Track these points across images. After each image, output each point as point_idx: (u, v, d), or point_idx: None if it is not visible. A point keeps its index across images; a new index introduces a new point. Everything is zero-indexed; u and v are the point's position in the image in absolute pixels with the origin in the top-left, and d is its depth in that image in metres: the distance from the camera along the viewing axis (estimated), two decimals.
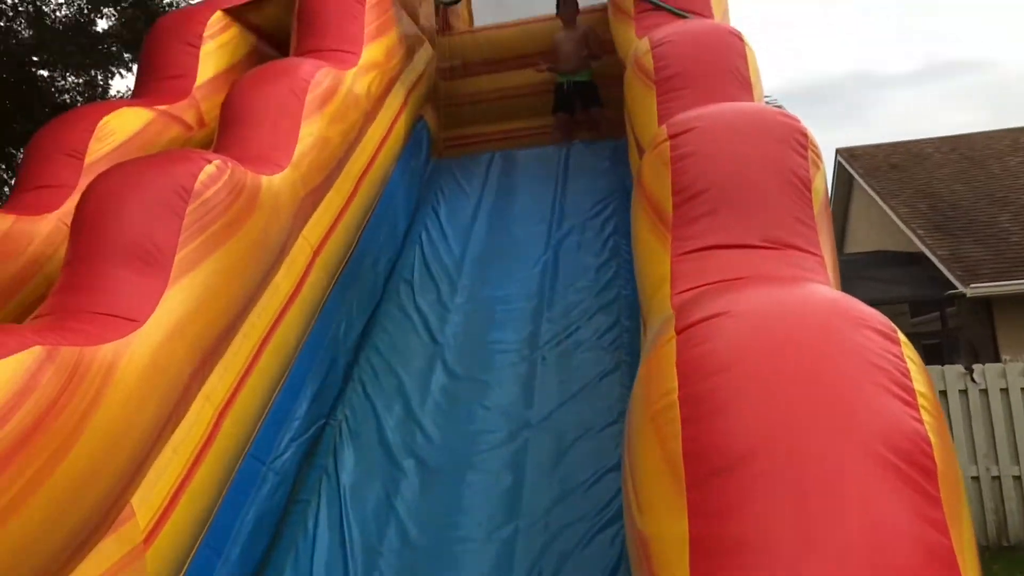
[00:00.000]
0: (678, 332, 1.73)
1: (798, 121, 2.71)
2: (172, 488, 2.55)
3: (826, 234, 2.46)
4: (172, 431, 2.60)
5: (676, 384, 1.59)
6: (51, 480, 1.98)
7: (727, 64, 3.72)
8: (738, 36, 3.97)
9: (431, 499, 3.18)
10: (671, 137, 2.73)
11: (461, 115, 6.80)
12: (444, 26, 7.45)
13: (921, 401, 1.49)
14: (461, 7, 7.96)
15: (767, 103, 14.01)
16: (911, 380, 1.53)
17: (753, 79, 3.74)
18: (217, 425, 2.80)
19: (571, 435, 3.26)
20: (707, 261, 2.26)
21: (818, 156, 2.63)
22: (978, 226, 11.84)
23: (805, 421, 1.41)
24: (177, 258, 2.74)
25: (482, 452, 3.29)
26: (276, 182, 3.49)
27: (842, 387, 1.47)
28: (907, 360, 1.59)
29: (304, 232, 3.72)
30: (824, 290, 1.87)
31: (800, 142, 2.60)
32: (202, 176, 2.96)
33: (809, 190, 2.47)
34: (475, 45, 6.84)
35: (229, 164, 3.16)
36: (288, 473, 3.24)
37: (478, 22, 8.08)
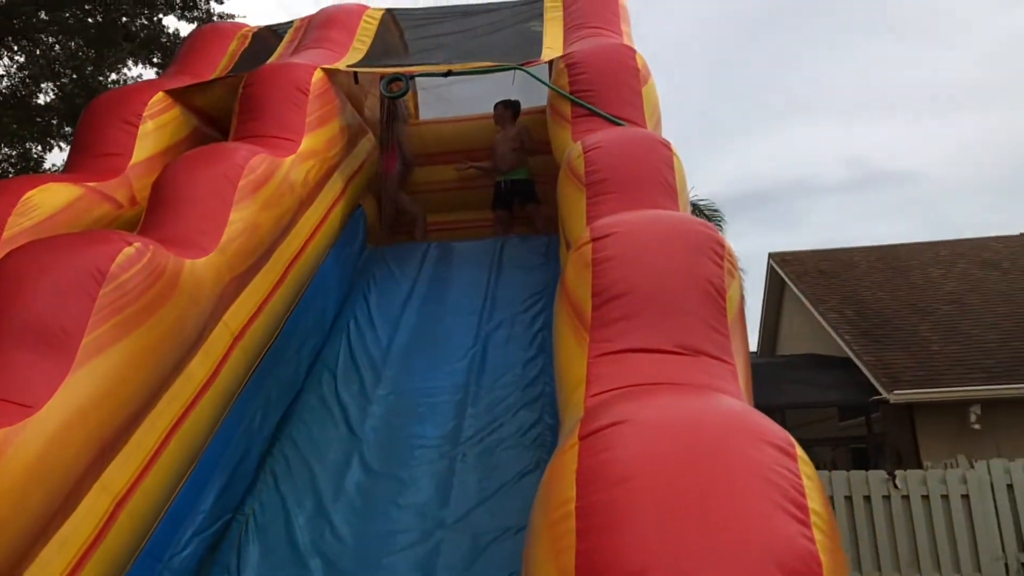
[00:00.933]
0: (581, 438, 1.72)
1: (716, 231, 2.79)
2: None
3: (739, 341, 2.51)
4: (61, 524, 2.45)
5: (574, 494, 1.57)
6: None
7: (655, 172, 3.84)
8: (667, 145, 4.12)
9: None
10: (593, 240, 2.79)
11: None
12: (389, 118, 7.60)
13: (814, 519, 1.50)
14: (407, 100, 8.14)
15: (704, 207, 14.51)
16: (806, 497, 1.54)
17: (679, 187, 3.87)
18: (112, 518, 2.65)
19: (487, 536, 3.17)
20: (621, 364, 2.27)
21: (734, 265, 2.71)
22: (902, 334, 12.25)
23: (697, 541, 1.39)
24: (84, 341, 2.64)
25: (393, 553, 3.17)
26: (199, 266, 3.43)
27: (736, 505, 1.46)
28: (803, 476, 1.60)
29: (225, 318, 3.64)
30: (727, 402, 1.89)
31: (717, 251, 2.67)
32: (119, 258, 2.90)
33: (724, 298, 2.53)
34: (419, 137, 6.96)
35: (150, 247, 3.10)
36: (186, 571, 3.07)
37: (423, 116, 8.25)
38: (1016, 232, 16.06)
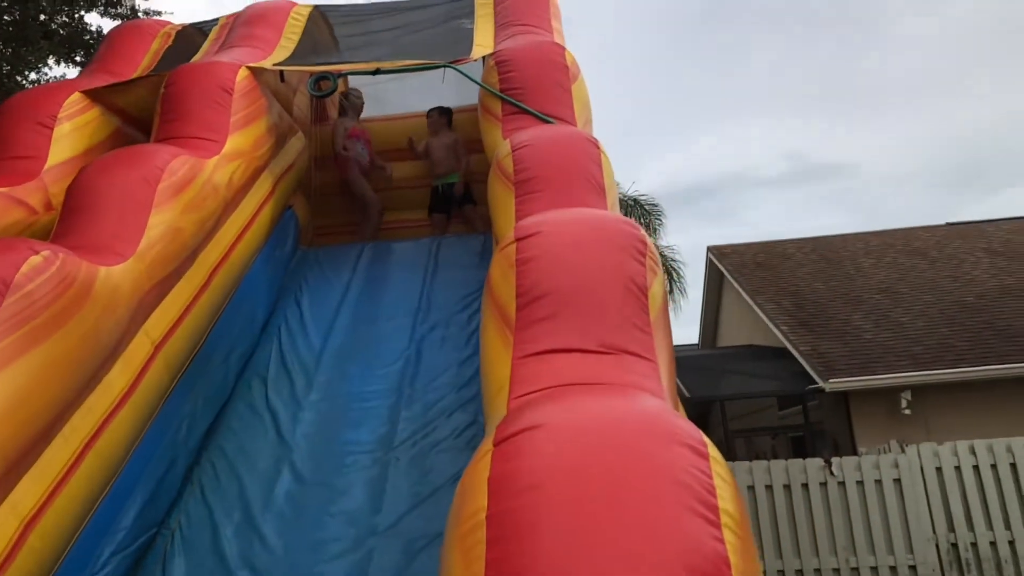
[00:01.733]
0: (495, 445, 1.69)
1: (638, 229, 2.80)
2: None
3: (662, 338, 2.51)
4: None
5: (486, 502, 1.54)
6: None
7: (583, 170, 3.84)
8: (595, 144, 4.12)
9: None
10: (517, 240, 2.77)
11: (332, 205, 6.77)
12: (319, 116, 7.47)
13: (725, 520, 1.50)
14: (337, 99, 8.02)
15: (645, 202, 14.67)
16: (717, 498, 1.53)
17: (607, 184, 3.87)
18: (21, 540, 2.52)
19: (420, 542, 3.13)
20: (545, 365, 2.26)
21: (656, 262, 2.71)
22: (835, 323, 12.56)
23: (605, 546, 1.38)
24: None
25: (324, 562, 3.10)
26: (116, 274, 3.31)
27: (645, 508, 1.45)
28: (715, 476, 1.59)
29: (146, 326, 3.51)
30: (642, 402, 1.89)
31: (639, 249, 2.68)
32: (24, 268, 2.76)
33: (646, 296, 2.53)
34: (337, 123, 6.86)
35: (60, 254, 2.97)
36: None
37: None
38: (943, 222, 16.60)
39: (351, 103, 6.85)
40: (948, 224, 16.57)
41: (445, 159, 6.53)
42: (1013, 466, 7.46)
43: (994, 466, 7.49)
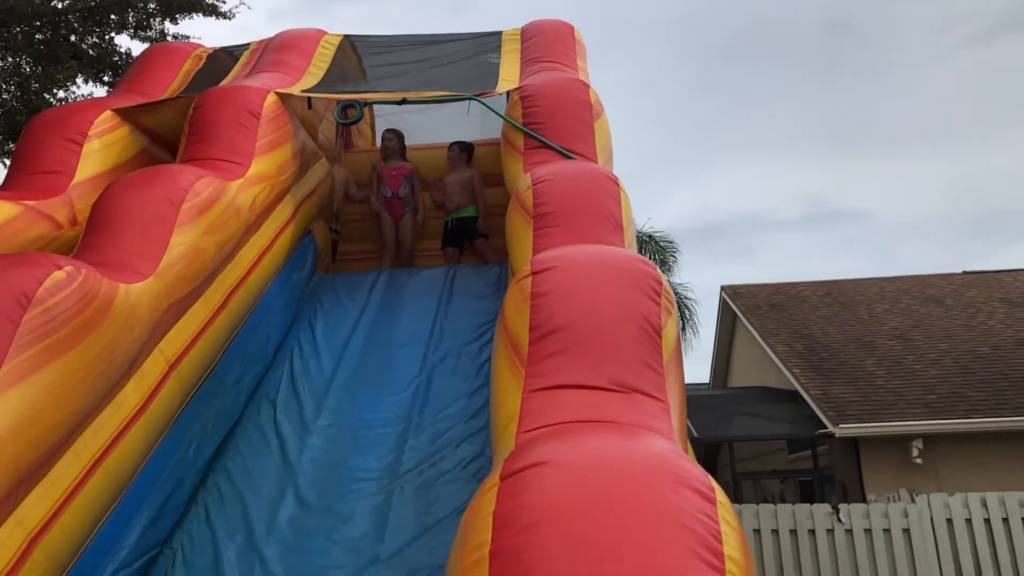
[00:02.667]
0: (502, 479, 1.70)
1: (654, 268, 2.81)
2: None
3: (675, 379, 2.52)
4: None
5: (490, 536, 1.55)
6: None
7: (601, 206, 3.88)
8: (614, 181, 4.16)
9: None
10: (533, 274, 2.79)
11: (354, 231, 6.84)
12: (346, 144, 7.58)
13: (730, 567, 1.49)
14: (364, 126, 8.12)
15: (660, 238, 14.72)
16: (722, 544, 1.53)
17: (625, 222, 3.90)
18: (26, 554, 2.54)
19: (421, 573, 3.11)
20: (555, 400, 2.27)
21: (671, 303, 2.73)
22: (848, 368, 12.46)
23: None
24: (4, 368, 2.55)
25: None
26: (135, 291, 3.35)
27: (649, 551, 1.45)
28: (721, 522, 1.60)
29: (161, 345, 3.55)
30: (651, 443, 1.89)
31: (654, 288, 2.69)
32: (47, 283, 2.81)
33: (660, 336, 2.54)
34: (371, 164, 6.94)
35: (83, 270, 3.02)
36: None
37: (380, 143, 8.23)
38: (959, 270, 16.51)
39: (384, 145, 6.86)
40: (964, 272, 16.47)
41: (459, 194, 6.57)
42: None
43: (1006, 520, 7.35)
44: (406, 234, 6.69)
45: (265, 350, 4.60)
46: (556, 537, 1.48)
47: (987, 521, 7.39)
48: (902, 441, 10.99)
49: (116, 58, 10.30)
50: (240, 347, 4.29)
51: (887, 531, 7.38)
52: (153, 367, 3.46)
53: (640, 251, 17.86)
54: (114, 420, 3.09)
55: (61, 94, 10.21)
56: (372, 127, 8.41)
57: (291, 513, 3.48)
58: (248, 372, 4.33)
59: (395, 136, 6.83)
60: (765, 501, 11.65)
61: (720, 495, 1.68)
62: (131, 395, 3.25)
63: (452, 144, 6.77)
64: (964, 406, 11.27)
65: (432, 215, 6.82)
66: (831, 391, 11.78)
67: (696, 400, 12.90)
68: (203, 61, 6.60)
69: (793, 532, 7.48)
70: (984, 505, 7.44)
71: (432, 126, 6.97)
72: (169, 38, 10.21)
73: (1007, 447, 10.82)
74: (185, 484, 3.59)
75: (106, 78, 10.43)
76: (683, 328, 17.78)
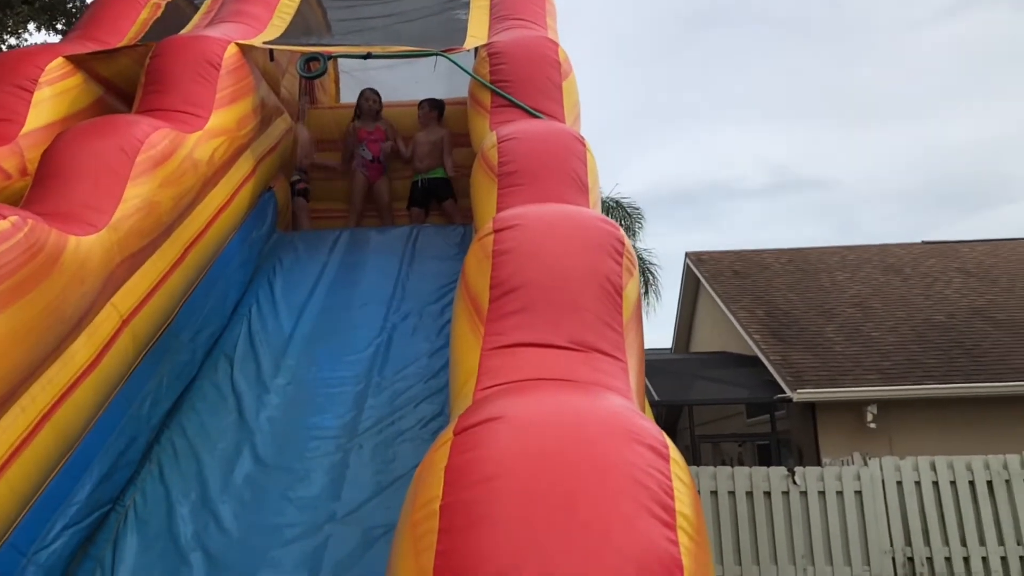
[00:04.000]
0: (455, 434, 1.69)
1: (617, 228, 2.80)
2: None
3: (634, 339, 2.52)
4: None
5: (440, 492, 1.54)
6: None
7: (567, 166, 3.84)
8: (580, 140, 4.12)
9: None
10: (495, 231, 2.76)
11: (321, 190, 6.72)
12: (310, 99, 7.41)
13: (681, 522, 1.50)
14: (327, 81, 7.95)
15: (627, 204, 14.70)
16: (674, 500, 1.54)
17: (591, 183, 3.87)
18: None
19: (377, 531, 3.11)
20: (513, 358, 2.25)
21: (632, 263, 2.72)
22: (808, 335, 12.67)
23: (559, 542, 1.38)
24: None
25: (279, 547, 3.07)
26: (86, 244, 3.26)
27: (600, 506, 1.45)
28: (674, 478, 1.60)
29: (114, 299, 3.47)
30: (607, 400, 1.88)
31: (616, 248, 2.68)
32: None
33: (620, 296, 2.53)
34: (335, 121, 6.81)
35: (29, 221, 2.92)
36: (54, 567, 2.90)
37: (344, 99, 8.09)
38: (918, 240, 16.79)
39: (365, 105, 6.71)
40: (924, 242, 16.77)
41: (429, 154, 6.47)
42: (972, 484, 7.56)
43: (953, 483, 7.58)
44: (382, 195, 6.60)
45: (223, 307, 4.52)
46: (507, 491, 1.47)
47: (935, 484, 7.61)
48: (857, 406, 11.25)
49: (70, 4, 9.94)
50: (197, 303, 4.21)
51: (840, 493, 7.57)
52: (105, 321, 3.38)
53: (608, 216, 17.98)
54: (64, 375, 3.02)
55: (12, 41, 9.84)
56: (336, 82, 8.24)
57: (247, 471, 3.45)
58: (205, 329, 4.26)
59: (377, 97, 6.69)
60: (724, 464, 11.87)
61: (674, 452, 1.69)
62: (82, 350, 3.17)
63: (422, 101, 6.65)
64: (918, 373, 11.54)
65: (398, 175, 6.72)
66: (790, 357, 11.98)
67: (658, 364, 13.05)
68: (161, 9, 6.37)
69: (749, 494, 7.64)
70: (933, 468, 7.66)
71: (397, 83, 6.84)
72: None
73: (958, 414, 11.13)
74: (139, 441, 3.53)
75: (60, 26, 10.06)
76: (646, 293, 17.91)
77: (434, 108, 6.60)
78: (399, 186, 6.69)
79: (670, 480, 1.58)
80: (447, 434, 1.73)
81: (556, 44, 5.46)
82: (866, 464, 7.76)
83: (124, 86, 5.63)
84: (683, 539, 1.47)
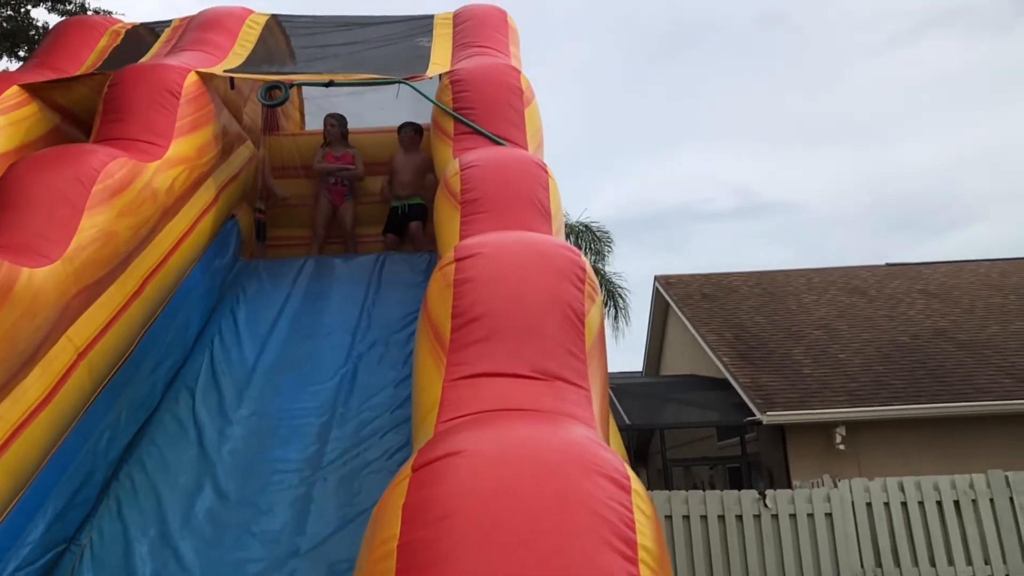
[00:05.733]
0: (414, 470, 1.65)
1: (579, 255, 2.79)
2: None
3: (597, 367, 2.50)
4: None
5: (398, 530, 1.50)
6: None
7: (530, 193, 3.84)
8: (543, 167, 4.13)
9: None
10: (457, 260, 2.74)
11: (283, 216, 6.67)
12: (272, 126, 7.37)
13: (642, 555, 1.47)
14: (292, 109, 7.92)
15: (596, 228, 14.73)
16: (635, 532, 1.51)
17: (553, 209, 3.87)
18: None
19: (342, 565, 3.04)
20: (475, 389, 2.22)
21: (595, 290, 2.71)
22: (776, 357, 12.77)
23: None
24: None
25: None
26: (39, 276, 3.18)
27: (561, 541, 1.42)
28: (636, 511, 1.57)
29: (70, 332, 3.39)
30: (569, 431, 1.86)
31: (578, 275, 2.67)
32: None
33: (583, 323, 2.51)
34: (296, 148, 6.77)
35: None
36: None
37: (310, 126, 8.05)
38: (882, 262, 17.06)
39: (327, 131, 6.66)
40: (888, 264, 17.04)
41: (411, 181, 6.36)
42: (939, 504, 7.61)
43: (921, 503, 7.63)
44: (346, 220, 6.53)
45: (184, 337, 4.44)
46: (466, 529, 1.43)
47: (904, 505, 7.65)
48: (826, 428, 11.32)
49: (32, 32, 9.84)
50: (157, 334, 4.13)
51: (811, 516, 7.58)
52: (60, 355, 3.29)
53: (577, 240, 18.06)
54: (15, 411, 2.93)
55: None
56: (301, 110, 8.20)
57: (208, 505, 3.36)
58: (166, 360, 4.17)
59: (337, 122, 6.64)
60: (695, 487, 11.86)
61: (635, 483, 1.66)
62: (35, 384, 3.09)
63: (404, 125, 6.55)
64: (884, 394, 11.66)
65: (367, 201, 6.65)
66: (760, 379, 12.05)
67: (629, 388, 13.06)
68: (121, 37, 6.32)
69: (721, 518, 7.61)
70: (902, 489, 7.70)
71: (363, 109, 6.82)
72: (89, 12, 9.78)
73: (924, 433, 11.24)
74: (95, 477, 3.43)
75: (22, 53, 9.95)
76: (616, 317, 17.98)
77: (417, 132, 6.49)
78: (364, 211, 6.64)
79: (631, 512, 1.56)
80: (405, 470, 1.70)
81: (518, 71, 5.49)
82: (836, 486, 7.79)
83: (82, 114, 5.55)
84: (644, 572, 1.44)
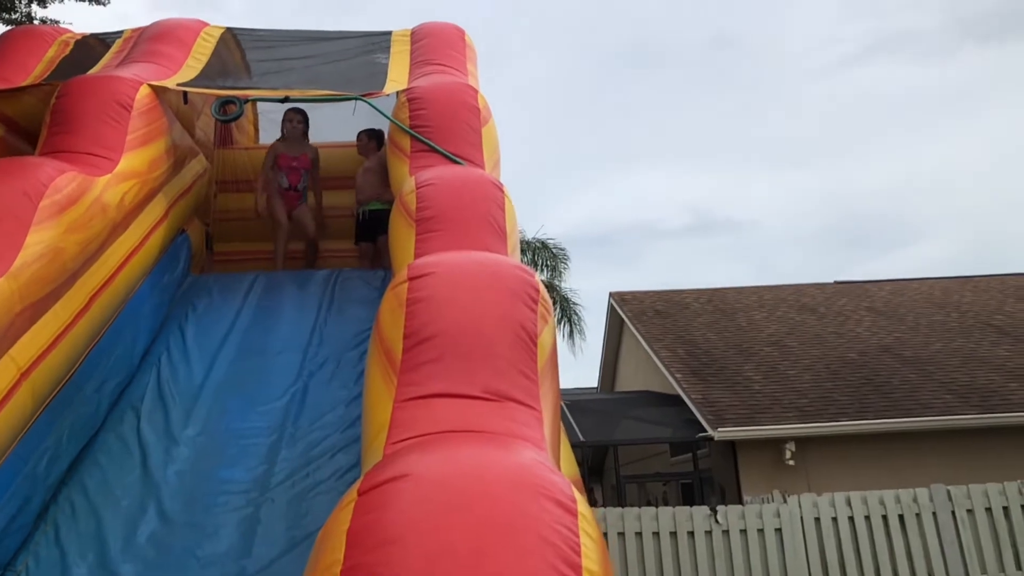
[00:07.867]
0: (360, 494, 1.65)
1: (532, 275, 2.81)
2: None
3: (549, 387, 2.52)
4: None
5: (342, 555, 1.49)
6: None
7: (485, 212, 3.86)
8: (499, 187, 4.15)
9: None
10: (409, 279, 2.74)
11: (231, 231, 6.58)
12: (225, 140, 7.29)
13: None
14: (246, 123, 7.85)
15: (552, 245, 14.75)
16: (580, 556, 1.53)
17: (509, 229, 3.90)
18: None
19: None
20: (425, 410, 2.22)
21: (548, 310, 2.73)
22: (727, 373, 12.96)
23: None
24: None
25: None
26: None
27: (506, 566, 1.43)
28: (582, 534, 1.59)
29: (12, 351, 3.29)
30: (516, 454, 1.87)
31: (531, 296, 2.69)
32: None
33: (535, 343, 2.53)
34: (250, 162, 6.70)
35: None
36: None
37: (264, 141, 7.98)
38: (831, 280, 17.44)
39: (290, 127, 6.43)
40: (836, 282, 17.43)
41: (370, 185, 6.20)
42: (885, 518, 7.77)
43: (868, 518, 7.79)
44: (305, 224, 6.32)
45: (130, 355, 4.34)
46: (411, 553, 1.43)
47: (851, 519, 7.79)
48: (776, 444, 11.50)
49: None
50: (103, 353, 4.03)
51: (761, 531, 7.68)
52: (2, 376, 3.19)
53: (533, 257, 18.12)
54: None
55: None
56: (255, 125, 8.14)
57: (152, 528, 3.28)
58: (111, 379, 4.07)
59: (302, 118, 6.40)
60: (649, 503, 11.95)
61: (582, 506, 1.68)
62: None
63: (360, 132, 6.48)
64: (832, 410, 11.89)
65: (345, 213, 6.51)
66: (711, 395, 12.20)
67: (584, 404, 13.12)
68: (70, 47, 6.20)
69: (673, 534, 7.67)
70: (849, 504, 7.85)
71: (319, 124, 6.78)
72: (36, 22, 9.58)
73: (871, 449, 11.48)
74: (33, 501, 3.32)
75: None
76: (571, 333, 18.06)
77: (372, 138, 6.41)
78: (338, 224, 6.52)
79: (577, 536, 1.57)
80: (351, 494, 1.69)
81: (476, 90, 5.52)
82: (785, 501, 7.91)
83: (28, 126, 5.44)
84: None
